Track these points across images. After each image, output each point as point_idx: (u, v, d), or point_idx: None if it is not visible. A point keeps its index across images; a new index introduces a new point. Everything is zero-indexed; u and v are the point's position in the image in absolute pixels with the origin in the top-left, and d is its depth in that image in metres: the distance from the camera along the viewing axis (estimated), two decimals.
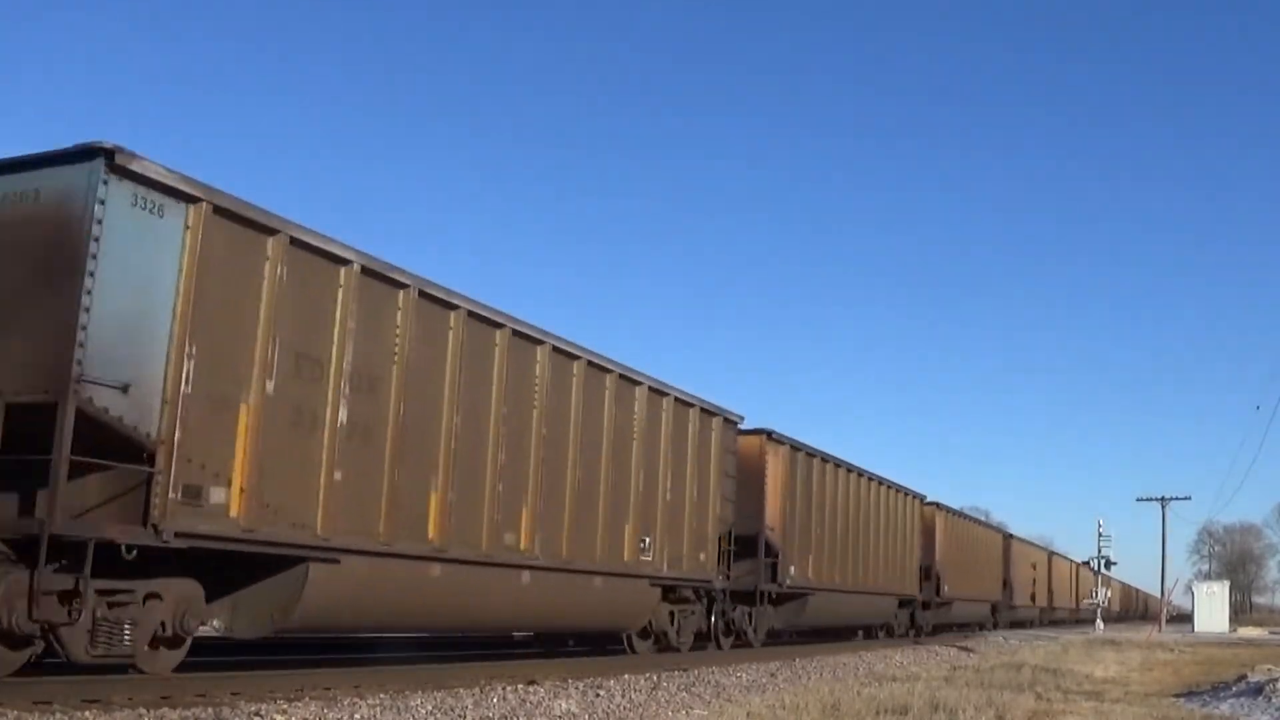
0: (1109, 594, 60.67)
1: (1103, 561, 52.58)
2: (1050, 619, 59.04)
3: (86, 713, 7.85)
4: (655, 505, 17.08)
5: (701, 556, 18.59)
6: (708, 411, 18.96)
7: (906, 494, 31.20)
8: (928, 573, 33.41)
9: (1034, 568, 53.54)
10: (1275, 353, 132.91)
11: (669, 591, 18.00)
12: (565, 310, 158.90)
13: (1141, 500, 57.88)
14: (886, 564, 28.88)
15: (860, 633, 30.69)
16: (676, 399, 17.87)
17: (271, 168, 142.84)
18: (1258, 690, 14.09)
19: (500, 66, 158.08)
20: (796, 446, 22.72)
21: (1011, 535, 49.54)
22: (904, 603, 31.59)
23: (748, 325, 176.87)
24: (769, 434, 21.56)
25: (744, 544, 20.44)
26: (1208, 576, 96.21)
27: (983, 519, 51.18)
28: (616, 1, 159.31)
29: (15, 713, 7.59)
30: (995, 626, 44.18)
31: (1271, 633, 49.19)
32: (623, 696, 11.56)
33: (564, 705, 10.36)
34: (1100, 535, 52.06)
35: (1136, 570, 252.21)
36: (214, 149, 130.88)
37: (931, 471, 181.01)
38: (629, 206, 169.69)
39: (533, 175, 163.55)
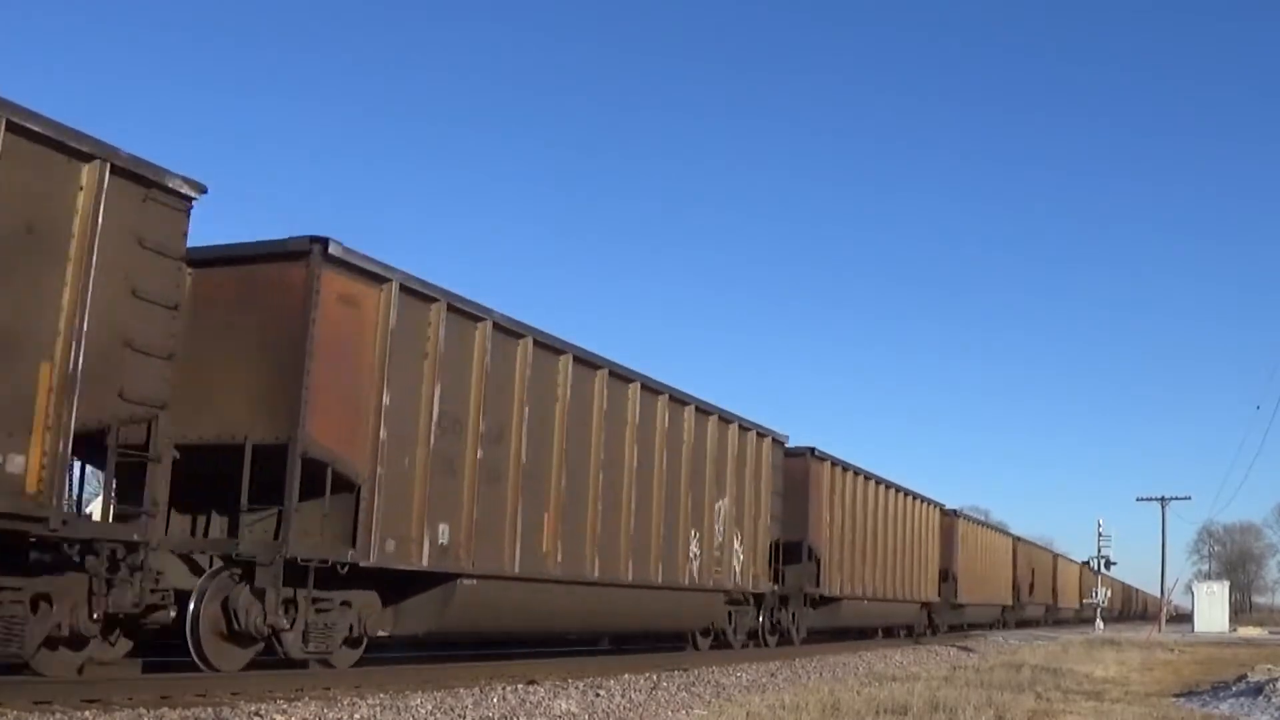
0: (1109, 594, 62.05)
1: (1103, 561, 53.19)
2: (1055, 619, 61.08)
3: (86, 713, 7.93)
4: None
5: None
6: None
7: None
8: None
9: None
10: (1275, 353, 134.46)
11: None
12: (562, 311, 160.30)
13: (1141, 500, 57.48)
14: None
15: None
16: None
17: (271, 167, 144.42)
18: (1257, 690, 14.25)
19: (500, 66, 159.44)
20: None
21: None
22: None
23: (744, 325, 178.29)
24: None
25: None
26: (1208, 576, 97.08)
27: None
28: (616, 1, 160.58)
29: (15, 713, 7.65)
30: (1005, 626, 46.26)
31: (1271, 633, 49.62)
32: (622, 696, 11.74)
33: (564, 705, 10.55)
34: (1100, 535, 52.67)
35: (1136, 570, 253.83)
36: (214, 146, 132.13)
37: (932, 471, 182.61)
38: (628, 207, 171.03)
39: (532, 175, 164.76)
